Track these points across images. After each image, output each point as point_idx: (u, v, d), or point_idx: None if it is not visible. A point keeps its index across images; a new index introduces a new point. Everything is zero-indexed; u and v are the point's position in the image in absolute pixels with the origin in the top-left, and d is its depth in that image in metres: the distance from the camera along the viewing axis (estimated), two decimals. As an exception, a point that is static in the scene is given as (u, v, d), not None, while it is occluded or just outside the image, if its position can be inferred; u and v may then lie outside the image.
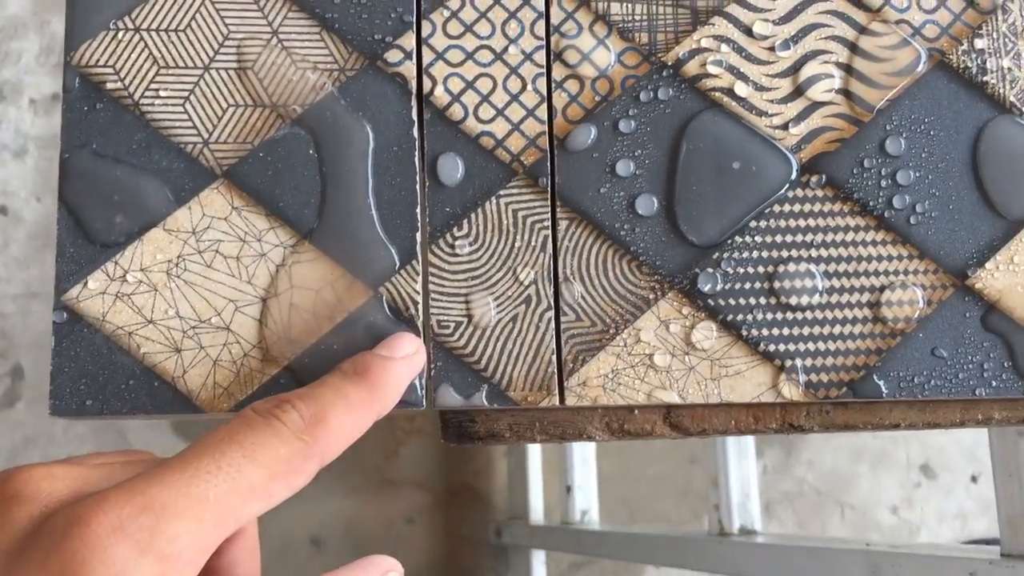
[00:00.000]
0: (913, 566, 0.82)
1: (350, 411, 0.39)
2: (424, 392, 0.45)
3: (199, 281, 0.45)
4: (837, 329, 0.46)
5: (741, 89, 0.47)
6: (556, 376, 0.46)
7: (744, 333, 0.46)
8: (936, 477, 1.71)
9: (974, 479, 1.71)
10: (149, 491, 0.33)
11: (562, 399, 0.46)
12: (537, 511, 1.48)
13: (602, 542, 1.29)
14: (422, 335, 0.45)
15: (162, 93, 0.45)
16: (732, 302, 0.46)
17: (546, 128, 0.47)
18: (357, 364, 0.41)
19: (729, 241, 0.47)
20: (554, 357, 0.46)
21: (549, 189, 0.46)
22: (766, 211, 0.47)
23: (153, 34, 0.46)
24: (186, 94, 0.46)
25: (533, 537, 1.45)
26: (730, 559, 1.04)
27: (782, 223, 0.47)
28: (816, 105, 0.48)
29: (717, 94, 0.47)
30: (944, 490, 1.71)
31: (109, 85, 0.45)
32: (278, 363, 0.45)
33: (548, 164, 0.47)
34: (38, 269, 1.58)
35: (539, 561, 1.49)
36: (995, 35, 0.48)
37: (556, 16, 0.48)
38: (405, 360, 0.43)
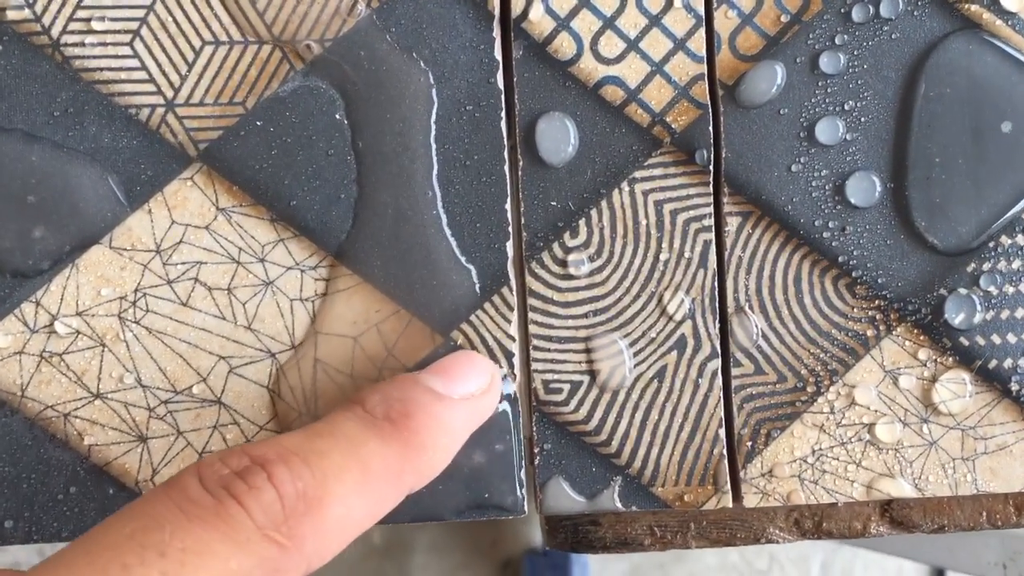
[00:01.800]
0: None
1: (366, 486, 0.24)
2: (524, 490, 0.29)
3: (171, 328, 0.28)
4: None
5: (1011, 1, 0.30)
6: (727, 463, 0.30)
7: (1015, 388, 0.30)
8: None
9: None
10: None
11: (738, 497, 0.30)
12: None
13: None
14: (520, 402, 0.29)
15: (96, 25, 0.28)
16: (997, 340, 0.30)
17: (704, 69, 0.29)
18: (392, 401, 0.25)
19: (992, 244, 0.30)
20: (722, 432, 0.30)
21: (712, 168, 0.30)
22: (1049, 195, 0.30)
23: (77, -73, 0.28)
24: (135, 26, 0.28)
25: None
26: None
27: (1073, 213, 0.30)
28: None
29: (974, 7, 0.30)
30: None
31: (10, 15, 0.28)
32: (300, 454, 0.29)
33: (710, 128, 0.29)
34: None
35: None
36: None
37: None
38: (468, 402, 0.27)
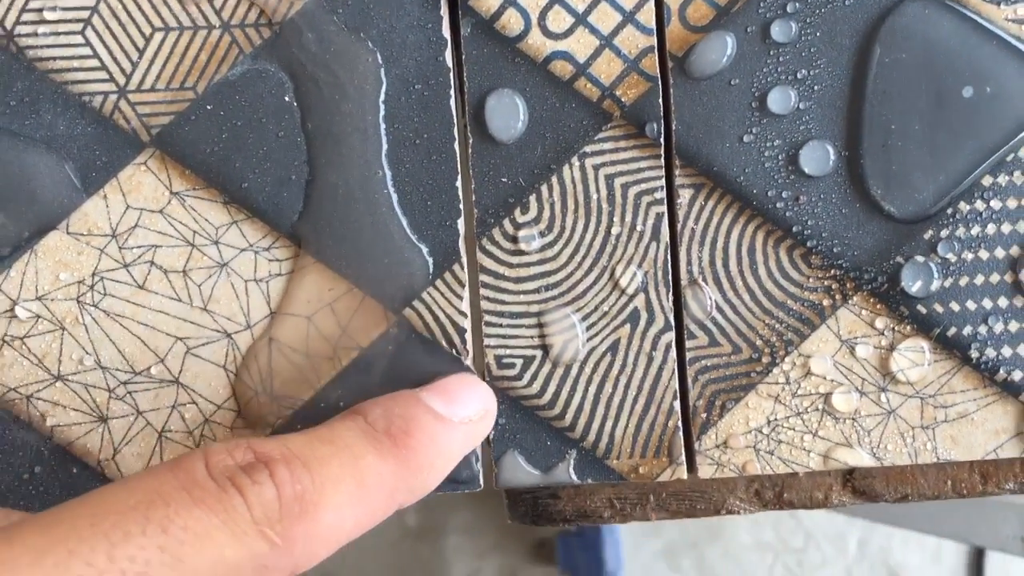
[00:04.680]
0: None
1: (360, 498, 0.24)
2: (480, 464, 0.30)
3: (128, 311, 0.29)
4: (1119, 342, 0.30)
5: (967, -40, 0.29)
6: (682, 434, 0.30)
7: (974, 355, 0.30)
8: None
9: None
10: None
11: (692, 468, 0.30)
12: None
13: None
14: (474, 379, 0.30)
15: (48, 15, 0.29)
16: (955, 307, 0.30)
17: (654, 41, 0.29)
18: (393, 419, 0.26)
19: (950, 211, 0.29)
20: (677, 404, 0.30)
21: (663, 140, 0.29)
22: (1008, 159, 0.29)
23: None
24: (86, 15, 0.29)
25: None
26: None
27: (1034, 177, 0.29)
28: (1091, -19, 0.29)
29: (929, -29, 0.29)
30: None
31: (-35, 7, 0.29)
32: (255, 431, 0.29)
33: (660, 100, 0.29)
34: None
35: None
36: None
37: None
38: (466, 427, 0.28)
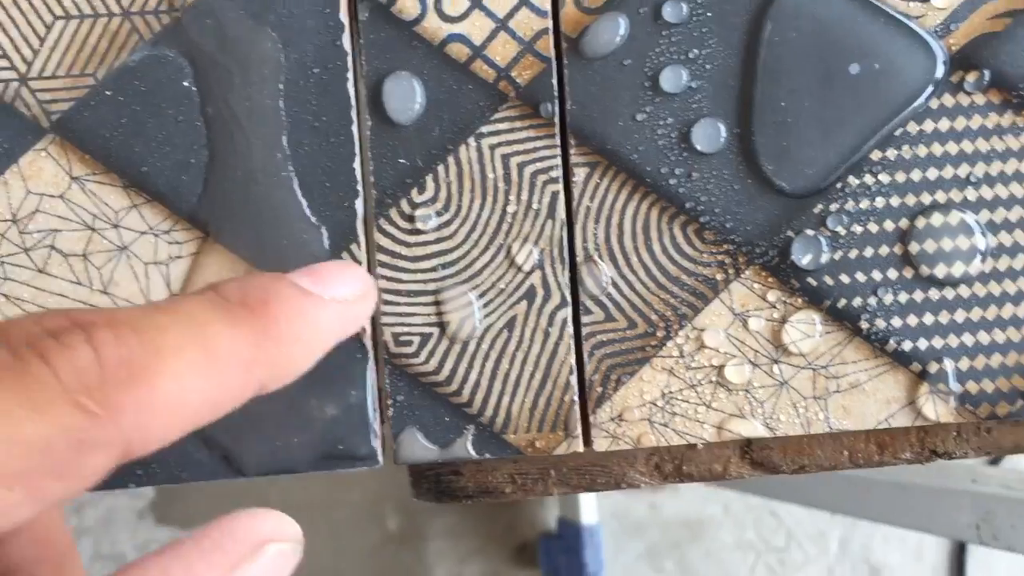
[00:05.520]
0: (1037, 519, 0.67)
1: (208, 367, 0.20)
2: (380, 440, 0.30)
3: (28, 295, 0.30)
4: (1008, 311, 0.30)
5: (852, -60, 0.30)
6: (578, 408, 0.30)
7: (864, 326, 0.30)
8: None
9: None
10: None
11: (588, 441, 0.30)
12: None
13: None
14: (372, 356, 0.30)
15: (-51, 4, 0.29)
16: (845, 279, 0.30)
17: (549, 23, 0.30)
18: (249, 290, 0.22)
19: (839, 185, 0.30)
20: (573, 379, 0.30)
21: (558, 120, 0.30)
22: (896, 134, 0.30)
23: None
24: (-14, 4, 0.29)
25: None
26: (811, 490, 0.90)
27: (921, 151, 0.30)
28: (973, -41, 0.30)
29: (814, -49, 0.30)
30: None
31: None
32: (159, 411, 0.30)
33: (555, 81, 0.30)
34: None
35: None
36: None
37: None
38: (338, 304, 0.24)
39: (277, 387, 0.22)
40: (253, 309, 0.22)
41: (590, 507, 1.36)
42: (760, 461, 0.31)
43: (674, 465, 0.31)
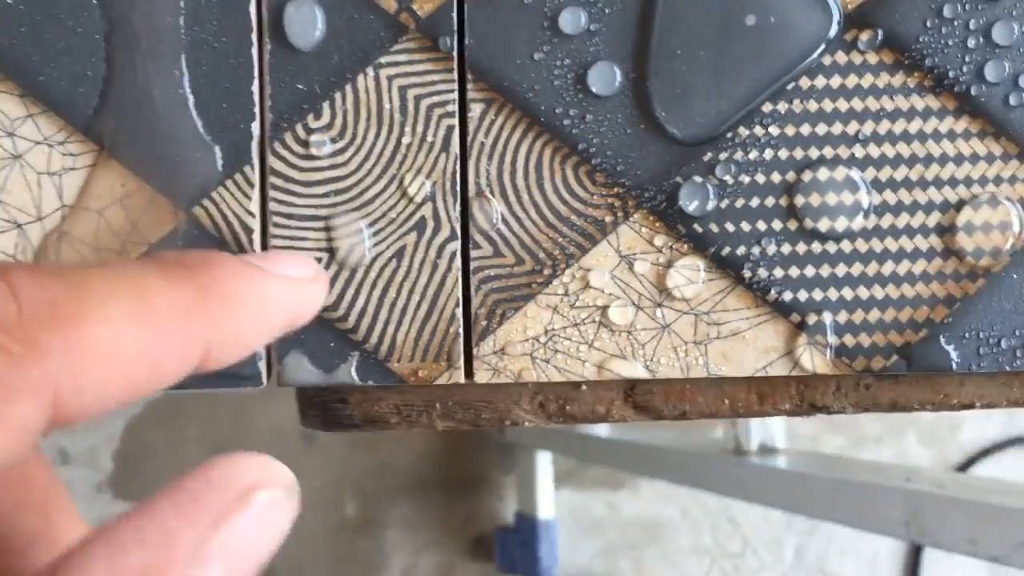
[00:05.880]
0: (962, 516, 0.68)
1: (143, 317, 0.19)
2: (266, 362, 0.30)
3: (-81, 197, 0.30)
4: (888, 267, 0.31)
5: None
6: (461, 340, 0.31)
7: (747, 275, 0.31)
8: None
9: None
10: None
11: (469, 373, 0.31)
12: (541, 410, 1.36)
13: (608, 450, 1.17)
14: (260, 278, 0.30)
15: None
16: (730, 227, 0.31)
17: (452, -41, 0.30)
18: (188, 253, 0.21)
19: (730, 135, 0.31)
20: (459, 311, 0.31)
21: (456, 54, 0.30)
22: (789, 88, 0.31)
23: None
24: None
25: (537, 438, 1.33)
26: (746, 484, 0.90)
27: (812, 106, 0.31)
28: (872, -80, 0.31)
29: (718, -97, 0.30)
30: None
31: None
32: (43, 320, 0.30)
33: (455, 15, 0.30)
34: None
35: (546, 460, 1.37)
36: None
37: None
38: (288, 280, 0.23)
39: (229, 358, 0.21)
40: (191, 267, 0.20)
41: (548, 502, 1.37)
42: (643, 405, 0.32)
43: (558, 405, 0.32)
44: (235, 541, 0.18)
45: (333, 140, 0.30)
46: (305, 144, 0.30)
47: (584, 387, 0.31)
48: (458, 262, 0.30)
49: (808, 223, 0.30)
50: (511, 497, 1.46)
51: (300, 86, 0.30)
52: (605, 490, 1.52)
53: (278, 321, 0.22)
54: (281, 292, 0.22)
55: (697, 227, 0.30)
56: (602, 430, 1.27)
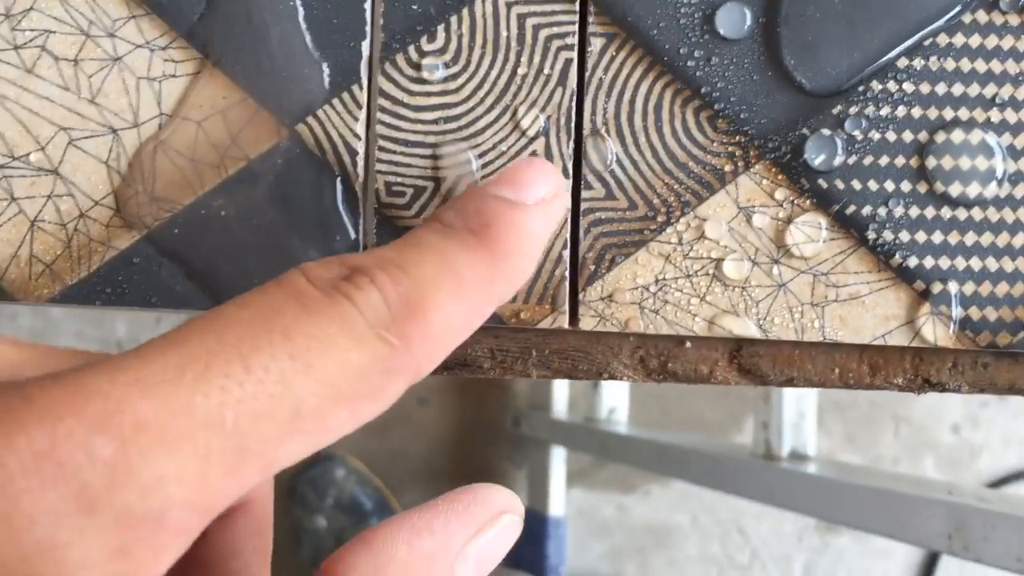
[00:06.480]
0: (1009, 531, 0.66)
1: (462, 294, 0.23)
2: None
3: (13, 94, 0.28)
4: (1020, 239, 0.29)
5: None
6: (567, 283, 0.29)
7: (871, 236, 0.29)
8: (1005, 396, 1.54)
9: (1050, 404, 1.53)
10: (113, 395, 0.18)
11: (574, 319, 0.29)
12: (560, 403, 1.34)
13: (629, 447, 1.15)
14: (361, 202, 0.29)
15: None
16: (857, 185, 0.29)
17: None
18: (468, 214, 0.24)
19: (862, 88, 0.29)
20: (566, 253, 0.29)
21: (580, -15, 0.29)
22: (926, 44, 0.29)
23: None
24: None
25: (554, 432, 1.32)
26: (777, 489, 0.89)
27: (949, 64, 0.29)
28: None
29: None
30: (1012, 412, 1.54)
31: None
32: (132, 231, 0.28)
33: (581, -56, 0.29)
34: None
35: (559, 457, 1.36)
36: None
37: None
38: (542, 207, 0.26)
39: (510, 296, 0.25)
40: (478, 233, 0.24)
41: (559, 500, 1.35)
42: (748, 368, 0.30)
43: (659, 361, 0.30)
44: (486, 547, 0.23)
45: (446, 65, 0.29)
46: (417, 67, 0.29)
47: (688, 344, 0.30)
48: (568, 203, 0.29)
49: (939, 186, 0.29)
50: (521, 492, 1.44)
51: (415, 7, 0.29)
52: (616, 492, 1.50)
53: (543, 245, 0.26)
54: (539, 222, 0.25)
55: (822, 182, 0.29)
56: (622, 427, 1.25)
